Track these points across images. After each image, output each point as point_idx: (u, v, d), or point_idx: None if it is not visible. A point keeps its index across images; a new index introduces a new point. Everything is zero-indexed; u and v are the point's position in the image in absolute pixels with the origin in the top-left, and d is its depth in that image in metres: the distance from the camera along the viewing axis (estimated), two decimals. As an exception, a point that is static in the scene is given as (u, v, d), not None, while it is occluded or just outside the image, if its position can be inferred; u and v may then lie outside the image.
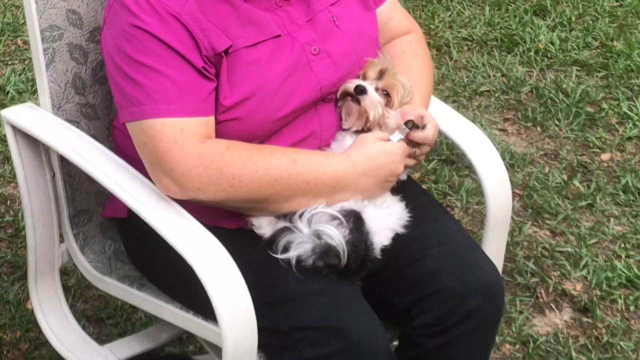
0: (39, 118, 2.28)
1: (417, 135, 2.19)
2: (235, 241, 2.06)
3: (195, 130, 2.03)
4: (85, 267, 2.42)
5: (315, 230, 2.06)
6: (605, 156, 3.91)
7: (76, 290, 3.16)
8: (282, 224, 2.10)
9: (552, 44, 4.63)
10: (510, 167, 3.81)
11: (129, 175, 2.14)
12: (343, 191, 2.11)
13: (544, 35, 4.69)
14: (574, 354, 3.00)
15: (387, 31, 2.43)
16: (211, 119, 2.07)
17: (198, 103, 2.04)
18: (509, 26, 4.78)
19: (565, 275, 3.31)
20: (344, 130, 2.24)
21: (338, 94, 2.22)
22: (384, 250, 2.14)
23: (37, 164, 2.31)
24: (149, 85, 2.02)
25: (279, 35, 2.16)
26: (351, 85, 2.20)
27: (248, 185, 2.03)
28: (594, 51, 4.62)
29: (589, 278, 3.29)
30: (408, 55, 2.41)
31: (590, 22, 4.83)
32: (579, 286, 3.27)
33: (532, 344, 3.04)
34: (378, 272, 2.16)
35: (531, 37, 4.67)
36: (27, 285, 3.09)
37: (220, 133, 2.09)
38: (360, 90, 2.19)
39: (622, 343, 3.05)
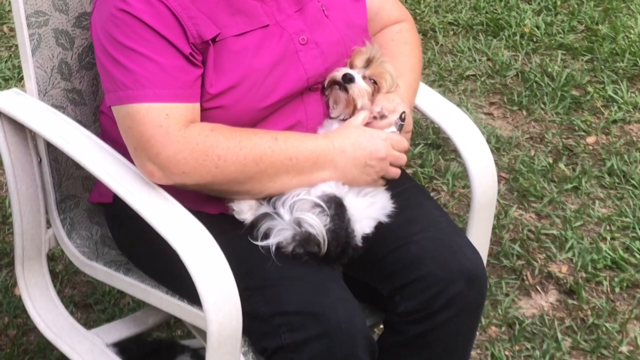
0: (25, 104, 2.28)
1: (382, 124, 2.19)
2: (217, 226, 2.06)
3: (181, 115, 2.03)
4: (72, 252, 2.43)
5: (296, 217, 2.06)
6: (590, 139, 3.92)
7: (64, 276, 3.17)
8: (263, 209, 2.11)
9: (538, 28, 4.64)
10: (496, 150, 3.82)
11: (114, 161, 2.14)
12: (323, 169, 2.11)
13: (530, 19, 4.71)
14: (559, 336, 3.02)
15: (378, 21, 2.43)
16: (197, 106, 2.08)
17: (184, 89, 2.05)
18: (495, 10, 4.79)
19: (550, 257, 3.33)
20: (331, 118, 2.24)
21: (325, 83, 2.22)
22: (366, 237, 2.15)
23: (23, 150, 2.31)
24: (136, 69, 2.02)
25: (267, 25, 2.16)
26: (339, 73, 2.20)
27: (234, 164, 2.04)
28: (579, 35, 4.64)
29: (574, 260, 3.31)
30: (396, 43, 2.41)
31: (576, 5, 4.84)
32: (564, 268, 3.29)
33: (518, 326, 3.06)
34: (362, 258, 2.16)
35: (517, 21, 4.68)
36: (15, 272, 3.10)
37: (205, 121, 2.09)
38: (348, 79, 2.19)
39: (607, 324, 3.07)
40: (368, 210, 2.16)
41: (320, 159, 2.11)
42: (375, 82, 2.22)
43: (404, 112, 2.20)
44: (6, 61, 4.30)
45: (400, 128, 2.20)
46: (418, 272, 2.15)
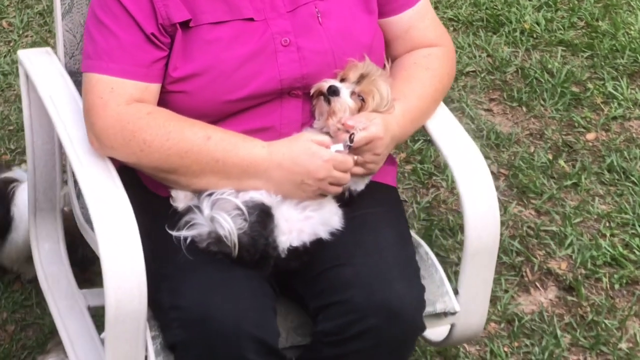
0: (39, 61, 2.41)
1: (343, 137, 2.13)
2: (160, 209, 2.12)
3: (126, 92, 2.09)
4: (76, 212, 2.51)
5: (211, 215, 2.05)
6: (590, 136, 3.92)
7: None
8: (195, 201, 2.11)
9: (538, 24, 4.63)
10: (496, 147, 3.82)
11: (84, 131, 2.19)
12: (254, 177, 2.09)
13: (530, 15, 4.70)
14: (559, 332, 3.02)
15: (407, 40, 2.36)
16: (152, 87, 2.12)
17: (138, 67, 2.10)
18: (495, 6, 4.78)
19: (550, 254, 3.33)
20: (312, 127, 2.20)
21: (312, 92, 2.19)
22: (306, 251, 2.12)
23: (43, 106, 2.37)
24: (99, 41, 2.11)
25: (252, 19, 2.16)
26: (325, 84, 2.16)
27: (157, 152, 2.07)
28: (579, 31, 4.63)
29: (573, 257, 3.31)
30: (417, 67, 2.33)
31: (576, 2, 4.83)
32: (564, 265, 3.29)
33: (517, 323, 3.06)
34: (303, 272, 2.14)
35: (517, 18, 4.67)
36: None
37: (169, 104, 2.14)
38: (333, 91, 2.15)
39: (606, 321, 3.07)
40: (301, 224, 2.12)
41: (250, 168, 2.09)
42: (363, 100, 2.17)
43: (353, 133, 2.12)
44: (5, 56, 4.29)
45: (348, 148, 2.12)
46: (342, 295, 2.10)
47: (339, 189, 2.14)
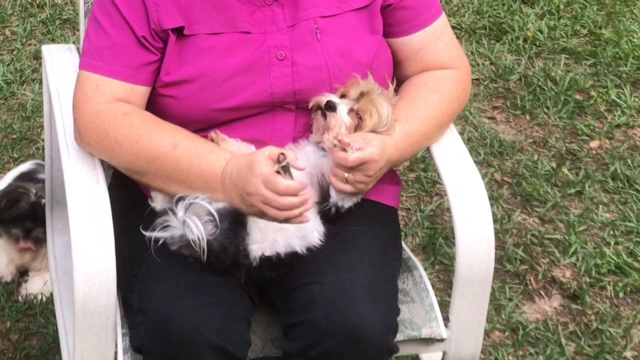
0: (61, 57, 2.51)
1: (337, 155, 2.07)
2: (143, 208, 2.13)
3: (110, 91, 2.13)
4: None
5: (183, 218, 2.03)
6: (593, 144, 3.92)
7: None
8: (172, 204, 2.08)
9: (541, 32, 4.64)
10: (499, 155, 3.82)
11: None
12: (214, 191, 2.06)
13: (533, 23, 4.70)
14: (563, 341, 3.02)
15: (418, 61, 2.31)
16: (138, 89, 2.15)
17: (126, 68, 2.14)
18: (498, 14, 4.78)
19: (554, 262, 3.32)
20: (308, 141, 2.18)
21: (310, 105, 2.17)
22: (280, 262, 2.08)
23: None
24: (93, 40, 2.16)
25: (249, 32, 2.16)
26: (324, 99, 2.14)
27: (126, 153, 2.10)
28: (582, 39, 4.63)
29: (578, 265, 3.30)
30: (425, 89, 2.27)
31: (579, 9, 4.84)
32: (568, 273, 3.28)
33: (521, 331, 3.05)
34: (280, 286, 2.12)
35: (520, 25, 4.68)
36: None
37: (159, 107, 2.17)
38: (330, 106, 2.12)
39: (611, 329, 3.06)
40: (275, 234, 2.08)
41: (211, 181, 2.07)
42: (361, 118, 2.14)
43: (282, 153, 2.00)
44: (8, 64, 4.29)
45: (285, 172, 1.98)
46: (307, 314, 2.03)
47: (278, 214, 2.00)
